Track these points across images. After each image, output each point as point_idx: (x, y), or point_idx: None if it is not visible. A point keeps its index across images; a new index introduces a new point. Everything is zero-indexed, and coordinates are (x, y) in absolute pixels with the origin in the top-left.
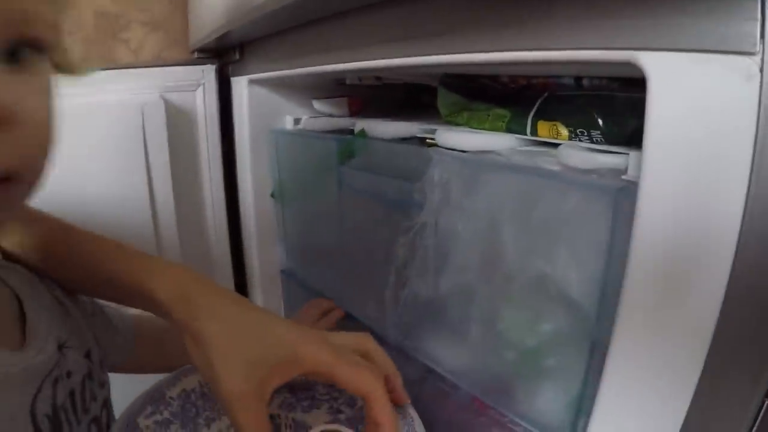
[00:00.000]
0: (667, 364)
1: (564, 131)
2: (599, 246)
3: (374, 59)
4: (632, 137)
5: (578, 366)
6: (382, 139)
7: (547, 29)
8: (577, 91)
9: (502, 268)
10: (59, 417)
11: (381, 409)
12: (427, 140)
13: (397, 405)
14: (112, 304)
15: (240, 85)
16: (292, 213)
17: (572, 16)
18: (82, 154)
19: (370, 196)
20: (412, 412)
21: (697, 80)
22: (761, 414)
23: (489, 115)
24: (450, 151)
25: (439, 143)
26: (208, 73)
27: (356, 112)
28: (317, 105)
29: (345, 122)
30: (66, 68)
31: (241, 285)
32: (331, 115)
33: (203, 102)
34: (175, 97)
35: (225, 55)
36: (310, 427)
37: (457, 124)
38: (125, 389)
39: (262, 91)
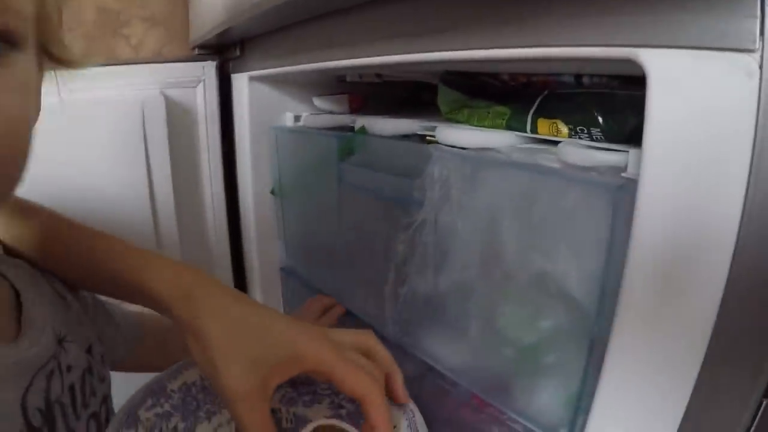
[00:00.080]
0: (665, 361)
1: (564, 129)
2: (598, 243)
3: (375, 56)
4: (632, 135)
5: (577, 363)
6: (383, 136)
7: (547, 26)
8: (577, 88)
9: (502, 265)
10: (52, 411)
11: (376, 413)
12: (428, 137)
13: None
14: (114, 301)
15: (240, 82)
16: (292, 210)
17: (572, 12)
18: (82, 150)
19: (370, 193)
20: (413, 406)
21: (697, 77)
22: (760, 414)
23: (489, 113)
24: (450, 148)
25: (440, 140)
26: (208, 69)
27: (357, 109)
28: (318, 102)
29: (345, 119)
30: (65, 63)
31: (241, 282)
32: (331, 112)
33: (203, 98)
34: (175, 94)
35: (226, 51)
36: (311, 422)
37: (458, 122)
38: (127, 386)
39: (262, 88)
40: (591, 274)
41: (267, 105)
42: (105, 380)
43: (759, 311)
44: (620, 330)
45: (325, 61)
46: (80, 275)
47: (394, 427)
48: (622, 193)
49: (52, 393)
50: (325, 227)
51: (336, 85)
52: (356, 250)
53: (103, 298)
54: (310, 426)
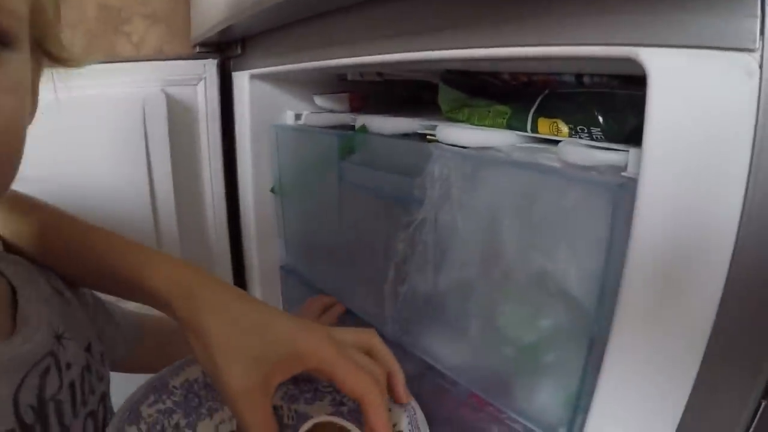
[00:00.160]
0: (665, 360)
1: (564, 128)
2: (598, 242)
3: (375, 54)
4: (632, 135)
5: (577, 362)
6: (383, 135)
7: (547, 25)
8: (577, 88)
9: (502, 264)
10: (45, 409)
11: (375, 414)
12: (428, 136)
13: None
14: (114, 300)
15: (241, 80)
16: (292, 208)
17: (572, 11)
18: (83, 147)
19: (371, 192)
20: (414, 404)
21: (697, 77)
22: (758, 415)
23: (490, 112)
24: (450, 147)
25: (440, 139)
26: (209, 67)
27: (357, 108)
28: (318, 101)
29: (346, 118)
30: (62, 61)
31: (241, 280)
32: (332, 111)
33: (204, 96)
34: (176, 91)
35: (227, 49)
36: (311, 419)
37: (458, 121)
38: (127, 385)
39: (263, 86)
40: (591, 274)
41: (268, 103)
42: (104, 379)
43: (758, 311)
44: (620, 329)
45: (326, 59)
46: (80, 272)
47: (395, 425)
48: (622, 192)
49: (46, 390)
50: (325, 226)
51: (337, 83)
52: (356, 249)
53: (103, 297)
54: (310, 422)
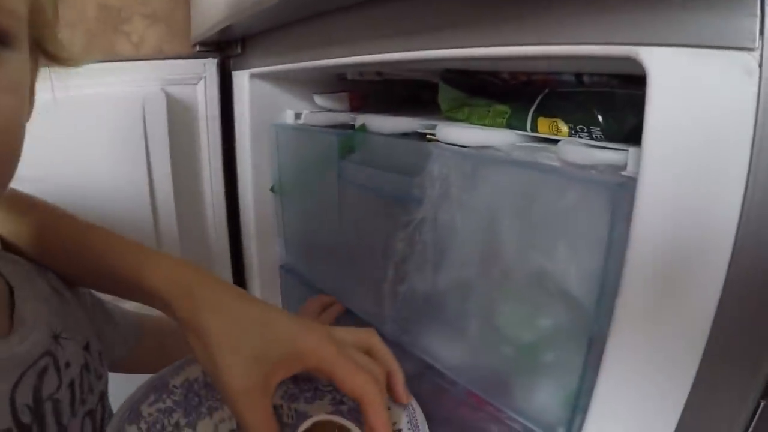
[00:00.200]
0: (664, 360)
1: (564, 128)
2: (598, 241)
3: (375, 53)
4: (632, 134)
5: (576, 362)
6: (383, 134)
7: (547, 24)
8: (577, 87)
9: (501, 264)
10: (42, 408)
11: (375, 414)
12: (428, 135)
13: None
14: (113, 299)
15: (241, 79)
16: (292, 208)
17: (572, 10)
18: (83, 146)
19: (370, 191)
20: (414, 403)
21: (697, 76)
22: (758, 414)
23: (489, 111)
24: (450, 146)
25: (439, 138)
26: (209, 66)
27: (357, 107)
28: (318, 100)
29: (346, 117)
30: (60, 60)
31: (240, 280)
32: (332, 110)
33: (204, 96)
34: (176, 91)
35: (227, 48)
36: (311, 418)
37: (458, 120)
38: (127, 384)
39: (263, 86)
40: (590, 273)
41: (268, 102)
42: (102, 378)
43: (757, 310)
44: (619, 329)
45: (325, 58)
46: (79, 271)
47: (394, 424)
48: (622, 191)
49: (44, 390)
50: (325, 225)
51: (337, 83)
52: (356, 248)
53: (102, 297)
54: (310, 421)
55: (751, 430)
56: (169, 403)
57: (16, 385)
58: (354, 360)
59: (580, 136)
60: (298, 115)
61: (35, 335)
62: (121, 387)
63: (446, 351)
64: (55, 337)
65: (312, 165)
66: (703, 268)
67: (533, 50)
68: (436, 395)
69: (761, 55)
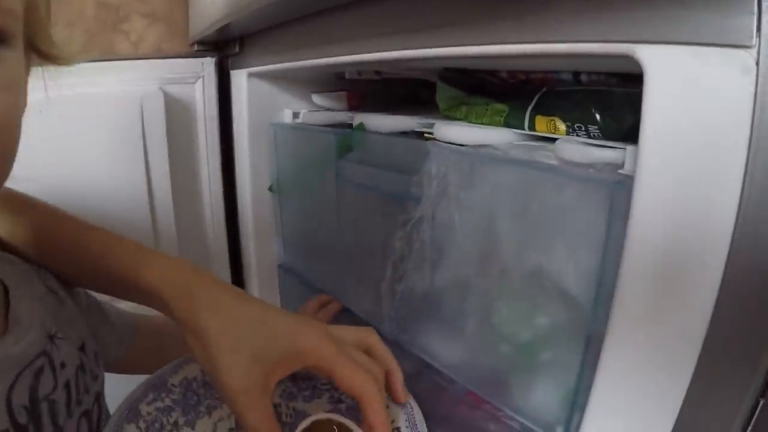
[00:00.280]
0: (661, 357)
1: (562, 126)
2: (595, 240)
3: (373, 52)
4: (629, 132)
5: (574, 360)
6: (381, 133)
7: (544, 22)
8: (575, 86)
9: (499, 262)
10: (38, 409)
11: (374, 413)
12: (426, 134)
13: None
14: (108, 299)
15: (239, 78)
16: (290, 207)
17: (570, 8)
18: (81, 145)
19: (368, 190)
20: (412, 402)
21: (694, 73)
22: (757, 413)
23: (487, 110)
24: (448, 145)
25: (438, 137)
26: (207, 65)
27: (355, 106)
28: (316, 99)
29: (344, 116)
30: (52, 59)
31: (238, 279)
32: (330, 109)
33: (202, 95)
34: (174, 90)
35: (225, 47)
36: (310, 416)
37: (456, 119)
38: (127, 384)
39: (261, 85)
40: (587, 271)
41: (266, 102)
42: (98, 378)
43: (755, 309)
44: (616, 327)
45: (323, 57)
46: (76, 271)
47: (392, 422)
48: (619, 189)
49: (39, 390)
50: (323, 224)
51: (335, 82)
52: (354, 247)
53: (98, 297)
54: (309, 420)
55: (750, 429)
56: (167, 401)
57: (12, 386)
58: (353, 358)
59: (577, 135)
60: (296, 114)
61: (31, 335)
62: (119, 387)
63: (444, 350)
64: (51, 338)
65: (310, 164)
66: (701, 267)
67: (531, 48)
68: (434, 394)
69: (758, 53)
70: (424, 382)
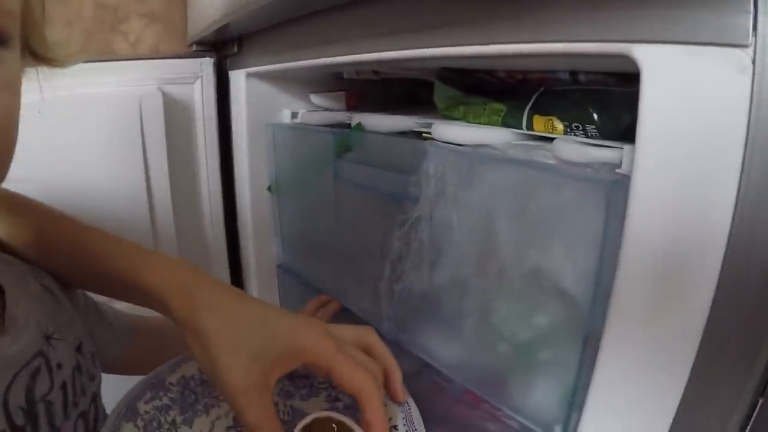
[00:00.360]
0: (659, 356)
1: (559, 126)
2: (593, 239)
3: (371, 52)
4: (627, 132)
5: (572, 359)
6: (379, 133)
7: (542, 21)
8: (573, 85)
9: (497, 262)
10: (35, 410)
11: (373, 410)
12: (424, 134)
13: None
14: (105, 299)
15: (238, 79)
16: (289, 207)
17: (567, 8)
18: (79, 146)
19: (367, 190)
20: (410, 400)
21: (690, 73)
22: (756, 413)
23: (485, 109)
24: (446, 144)
25: (436, 137)
26: (206, 65)
27: (354, 106)
28: (315, 99)
29: (342, 116)
30: (46, 61)
31: (237, 279)
32: (328, 109)
33: (201, 95)
34: (173, 90)
35: (223, 48)
36: (309, 415)
37: (454, 118)
38: (126, 384)
39: (259, 85)
40: (585, 270)
41: (264, 102)
42: (95, 379)
43: (752, 307)
44: (614, 326)
45: (322, 57)
46: (74, 272)
47: (390, 419)
48: (617, 189)
49: (36, 391)
50: (322, 224)
51: (333, 82)
52: (352, 247)
53: (96, 298)
54: (309, 418)
55: (749, 428)
56: (165, 400)
57: (9, 387)
58: (352, 356)
59: (575, 134)
60: (294, 115)
61: (27, 336)
62: (117, 387)
63: (443, 349)
64: (47, 338)
65: (309, 164)
66: (697, 265)
67: (528, 48)
68: (433, 393)
69: (754, 52)
70: (423, 381)
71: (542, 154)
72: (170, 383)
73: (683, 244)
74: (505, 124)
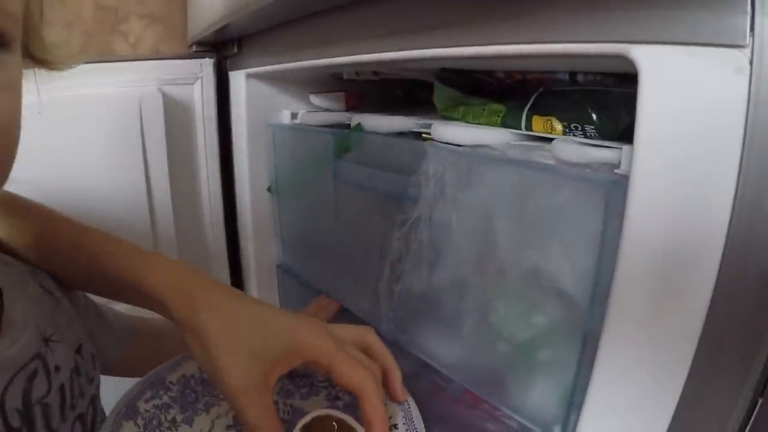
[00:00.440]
0: (657, 356)
1: (558, 126)
2: (592, 239)
3: (371, 53)
4: (626, 132)
5: (571, 359)
6: (379, 134)
7: (540, 22)
8: (572, 86)
9: (496, 262)
10: (31, 412)
11: (372, 409)
12: (423, 135)
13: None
14: (104, 301)
15: (238, 79)
16: (289, 207)
17: (565, 8)
18: (79, 146)
19: (366, 190)
20: (410, 399)
21: (688, 73)
22: (755, 413)
23: (484, 110)
24: (445, 145)
25: (435, 137)
26: (206, 66)
27: (353, 106)
28: (314, 100)
29: (342, 117)
30: (44, 63)
31: (237, 280)
32: (328, 110)
33: (201, 96)
34: (173, 91)
35: (223, 48)
36: (309, 413)
37: (453, 119)
38: (125, 384)
39: (259, 85)
40: (584, 270)
41: (264, 102)
42: (93, 381)
43: (750, 306)
44: (613, 326)
45: (321, 58)
46: (72, 274)
47: (390, 418)
48: (615, 189)
49: (33, 394)
50: (321, 224)
51: (333, 82)
52: (352, 247)
53: (96, 299)
54: (309, 416)
55: (749, 428)
56: (165, 399)
57: (5, 389)
58: (352, 355)
59: (574, 135)
60: (294, 115)
61: (25, 337)
62: (117, 388)
63: (442, 349)
64: (46, 340)
65: (308, 165)
66: (696, 265)
67: (527, 49)
68: (432, 393)
69: (752, 52)
70: (423, 381)
71: (541, 155)
72: (170, 382)
73: (682, 244)
74: (504, 125)
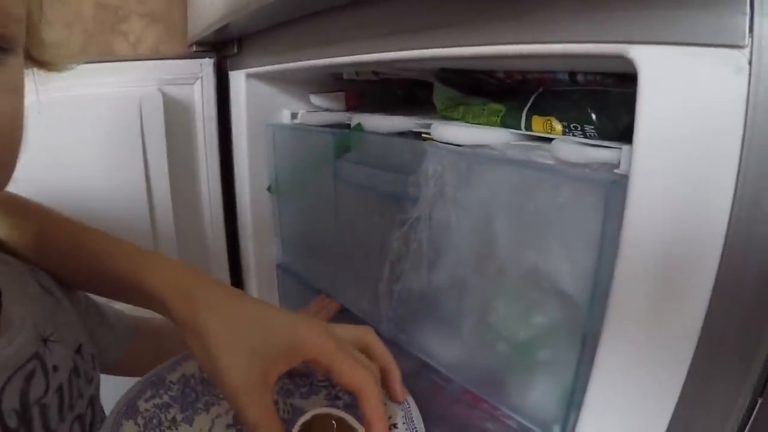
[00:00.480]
0: (657, 355)
1: (558, 126)
2: (591, 239)
3: (371, 53)
4: (625, 132)
5: (570, 359)
6: (379, 134)
7: (540, 22)
8: (571, 86)
9: (496, 262)
10: (29, 413)
11: (372, 407)
12: (423, 134)
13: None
14: (105, 300)
15: (238, 79)
16: (289, 207)
17: (565, 8)
18: (79, 146)
19: (366, 190)
20: (409, 399)
21: (687, 73)
22: (755, 413)
23: (484, 110)
24: (445, 145)
25: (435, 137)
26: (206, 66)
27: (353, 106)
28: (314, 99)
29: (342, 117)
30: (43, 64)
31: (237, 279)
32: (328, 110)
33: (201, 95)
34: (173, 91)
35: (223, 48)
36: (309, 412)
37: (453, 119)
38: (125, 384)
39: (259, 85)
40: (583, 270)
41: (264, 102)
42: (93, 382)
43: (749, 306)
44: (612, 325)
45: (321, 58)
46: (72, 273)
47: (390, 418)
48: (615, 189)
49: (31, 394)
50: (321, 224)
51: (333, 82)
52: (352, 247)
53: (96, 299)
54: (309, 414)
55: (748, 428)
56: (165, 398)
57: (2, 390)
58: (352, 354)
59: (574, 135)
60: (294, 115)
61: (23, 337)
62: (116, 388)
63: (442, 349)
64: (44, 340)
65: (308, 164)
66: (695, 265)
67: (527, 49)
68: (432, 393)
69: (751, 53)
70: (422, 381)
71: (541, 155)
72: (170, 381)
73: (681, 244)
74: (504, 125)
